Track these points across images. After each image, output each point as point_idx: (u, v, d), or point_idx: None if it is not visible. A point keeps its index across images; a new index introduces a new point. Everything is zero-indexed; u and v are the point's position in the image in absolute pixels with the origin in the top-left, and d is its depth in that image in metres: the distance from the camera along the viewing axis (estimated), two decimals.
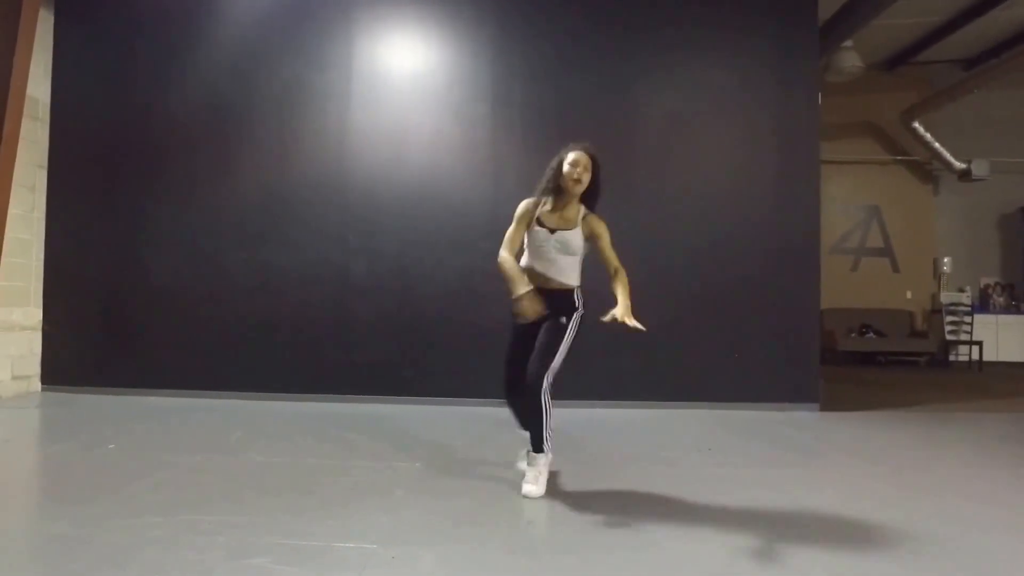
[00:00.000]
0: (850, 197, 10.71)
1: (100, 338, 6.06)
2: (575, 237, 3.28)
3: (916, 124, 10.25)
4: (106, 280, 6.06)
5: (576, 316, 3.34)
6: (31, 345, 6.00)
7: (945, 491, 3.44)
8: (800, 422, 5.36)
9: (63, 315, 6.07)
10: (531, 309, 3.17)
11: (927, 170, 10.88)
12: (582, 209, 3.35)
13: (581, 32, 6.03)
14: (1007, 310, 10.66)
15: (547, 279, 3.30)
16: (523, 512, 3.01)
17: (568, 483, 3.50)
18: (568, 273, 3.33)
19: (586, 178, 3.28)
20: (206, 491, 3.17)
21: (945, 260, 10.70)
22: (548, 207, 3.32)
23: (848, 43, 8.61)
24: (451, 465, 3.85)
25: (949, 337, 10.28)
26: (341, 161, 5.98)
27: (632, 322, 3.12)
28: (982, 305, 10.72)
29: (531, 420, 3.27)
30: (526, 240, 3.36)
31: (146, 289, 6.01)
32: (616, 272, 3.32)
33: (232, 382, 5.87)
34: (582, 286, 3.42)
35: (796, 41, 6.05)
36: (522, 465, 3.39)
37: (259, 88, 6.05)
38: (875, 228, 10.80)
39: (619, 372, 5.83)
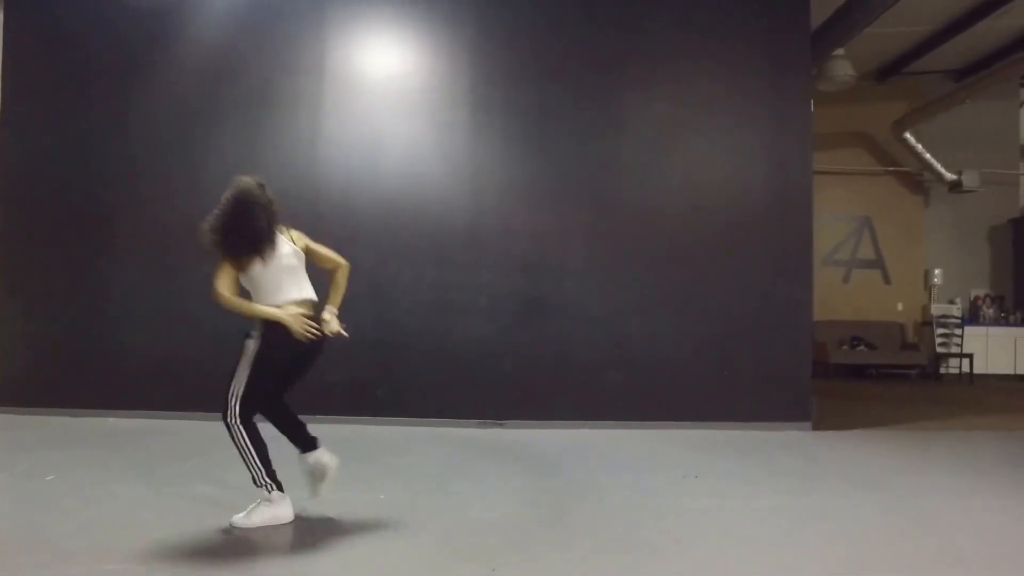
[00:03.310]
0: (841, 208, 10.53)
1: (57, 355, 5.71)
2: (286, 246, 3.17)
3: (907, 135, 10.09)
4: (63, 294, 5.72)
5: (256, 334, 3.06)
6: None
7: (942, 525, 3.25)
8: (791, 443, 5.13)
9: (16, 331, 5.72)
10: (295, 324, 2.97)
11: (918, 181, 10.73)
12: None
13: (565, 35, 5.80)
14: (997, 322, 10.50)
15: (309, 297, 3.17)
16: (489, 556, 2.71)
17: (542, 517, 3.27)
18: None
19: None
20: (140, 532, 2.87)
21: (936, 272, 10.54)
22: None
23: (840, 51, 8.43)
24: (418, 497, 3.59)
25: (940, 350, 10.10)
26: (312, 169, 5.70)
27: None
28: (972, 317, 10.55)
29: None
30: (266, 273, 3.03)
31: (106, 303, 5.68)
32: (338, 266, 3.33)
33: (198, 402, 5.51)
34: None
35: (788, 47, 5.84)
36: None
37: (226, 91, 5.76)
38: (866, 239, 10.63)
39: (603, 391, 5.59)
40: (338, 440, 4.88)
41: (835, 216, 10.49)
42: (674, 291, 5.66)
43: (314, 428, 5.17)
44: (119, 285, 5.68)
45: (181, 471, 3.96)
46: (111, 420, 5.38)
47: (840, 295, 10.38)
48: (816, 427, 5.62)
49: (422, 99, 5.75)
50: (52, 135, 5.78)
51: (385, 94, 5.74)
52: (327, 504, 3.35)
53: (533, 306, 5.63)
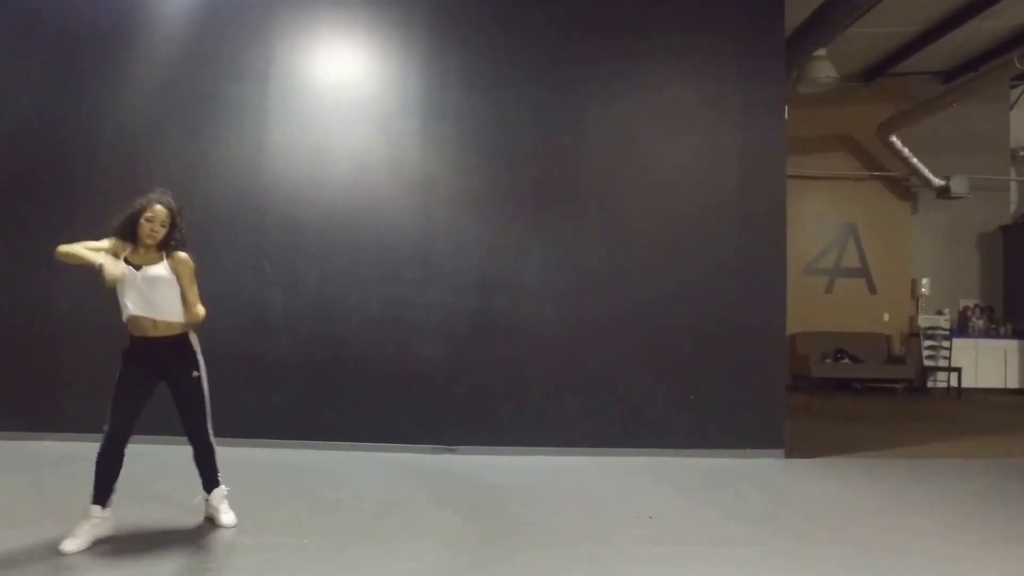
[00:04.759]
0: (825, 214, 10.25)
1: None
2: (162, 270, 3.23)
3: (893, 138, 9.79)
4: (1, 310, 5.39)
5: (201, 362, 3.38)
6: None
7: None
8: (761, 475, 4.80)
9: None
10: (113, 272, 3.04)
11: (905, 187, 10.43)
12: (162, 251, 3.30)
13: (522, 38, 5.48)
14: (986, 334, 10.21)
15: (154, 323, 3.23)
16: None
17: (471, 569, 2.95)
18: (170, 309, 3.27)
19: (162, 232, 3.21)
20: None
21: (923, 281, 10.24)
22: (129, 250, 3.22)
23: (821, 52, 8.13)
24: (345, 542, 3.25)
25: (927, 363, 9.80)
26: (257, 180, 5.37)
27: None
28: (961, 328, 10.26)
29: (207, 465, 3.45)
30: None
31: (46, 320, 5.34)
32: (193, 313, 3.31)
33: (142, 424, 5.23)
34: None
35: (761, 47, 5.52)
36: (218, 508, 3.46)
37: (168, 100, 5.43)
38: (851, 247, 10.32)
39: (562, 415, 5.27)
40: (279, 467, 4.64)
41: (819, 223, 10.21)
42: (637, 309, 5.33)
43: (257, 453, 4.96)
44: (61, 303, 5.33)
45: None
46: (47, 443, 5.08)
47: (823, 305, 10.09)
48: (790, 454, 5.30)
49: (371, 106, 5.42)
50: None
51: (332, 101, 5.41)
52: (247, 550, 3.11)
53: (487, 325, 5.30)
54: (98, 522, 3.06)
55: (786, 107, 5.58)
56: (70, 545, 2.95)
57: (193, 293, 3.30)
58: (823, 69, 8.31)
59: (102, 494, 3.08)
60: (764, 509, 4.02)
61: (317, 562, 2.98)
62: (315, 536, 3.30)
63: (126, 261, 3.17)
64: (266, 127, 5.40)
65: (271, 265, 5.34)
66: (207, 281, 5.10)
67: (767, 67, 5.53)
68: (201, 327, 4.95)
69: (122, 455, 3.14)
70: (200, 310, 3.31)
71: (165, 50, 5.45)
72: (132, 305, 3.19)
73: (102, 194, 5.34)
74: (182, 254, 3.29)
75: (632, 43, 5.51)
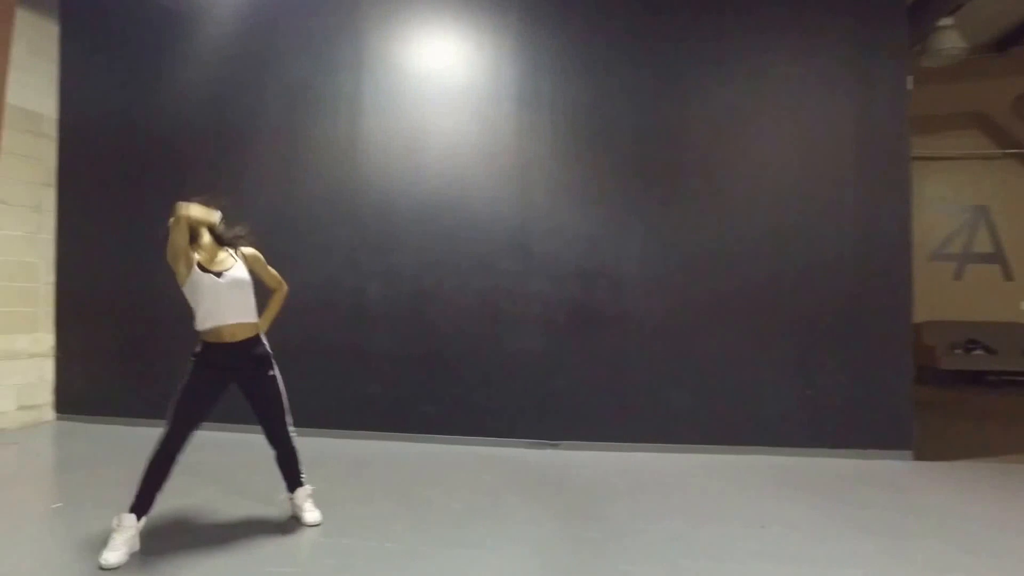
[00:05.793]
0: (952, 197, 9.42)
1: (117, 364, 5.71)
2: (241, 272, 3.24)
3: None
4: (123, 303, 5.70)
5: (273, 360, 3.35)
6: (41, 372, 5.70)
7: None
8: (888, 479, 4.39)
9: (77, 340, 5.77)
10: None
11: None
12: (228, 249, 3.28)
13: (619, 18, 5.24)
14: None
15: (235, 328, 3.18)
16: None
17: None
18: (250, 310, 3.26)
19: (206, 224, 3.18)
20: None
21: None
22: (199, 256, 3.16)
23: (948, 21, 7.43)
24: (424, 546, 3.11)
25: None
26: (353, 172, 5.41)
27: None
28: None
29: (290, 467, 3.42)
30: (193, 293, 3.14)
31: (164, 312, 5.52)
32: (278, 286, 3.50)
33: (244, 414, 5.37)
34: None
35: (879, 18, 5.07)
36: (302, 507, 3.43)
37: (265, 94, 5.56)
38: (983, 231, 9.46)
39: (668, 409, 5.02)
40: (372, 461, 4.68)
41: (945, 206, 9.40)
42: (748, 298, 5.01)
43: (356, 445, 4.99)
44: (177, 295, 5.55)
45: (200, 496, 3.71)
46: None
47: (951, 293, 9.29)
48: (919, 455, 4.85)
49: (465, 94, 5.33)
50: (106, 148, 5.78)
51: (426, 90, 5.36)
52: (325, 552, 3.04)
53: (588, 316, 5.12)
54: (133, 533, 2.90)
55: (911, 79, 5.11)
56: (111, 558, 2.78)
57: (271, 275, 3.45)
58: (950, 39, 7.57)
59: (143, 504, 2.95)
60: (891, 520, 3.61)
61: (394, 569, 2.86)
62: (398, 539, 3.19)
63: (201, 268, 3.11)
64: (360, 118, 5.41)
65: (368, 256, 5.34)
66: (305, 274, 5.29)
67: (888, 39, 5.07)
68: (297, 318, 5.09)
69: (174, 464, 3.00)
70: (282, 283, 3.50)
71: (259, 43, 5.59)
72: (219, 315, 3.13)
73: (205, 184, 5.50)
74: (250, 249, 3.36)
75: (735, 18, 5.17)
